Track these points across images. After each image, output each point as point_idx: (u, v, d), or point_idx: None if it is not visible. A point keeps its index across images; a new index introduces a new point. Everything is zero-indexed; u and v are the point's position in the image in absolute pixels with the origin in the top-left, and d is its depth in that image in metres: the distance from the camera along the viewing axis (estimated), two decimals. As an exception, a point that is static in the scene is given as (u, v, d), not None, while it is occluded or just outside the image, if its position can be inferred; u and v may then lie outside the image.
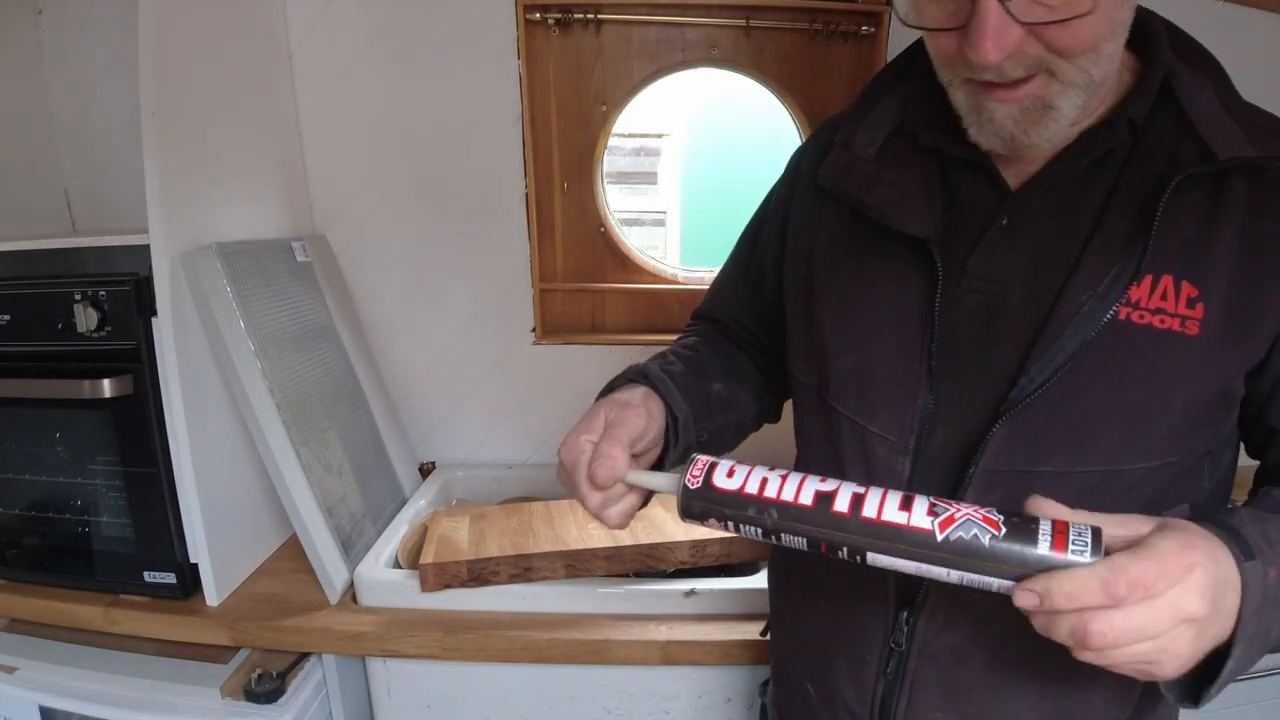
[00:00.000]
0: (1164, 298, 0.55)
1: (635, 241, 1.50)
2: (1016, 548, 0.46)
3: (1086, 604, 0.44)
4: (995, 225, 0.61)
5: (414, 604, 1.07)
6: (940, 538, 0.48)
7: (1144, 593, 0.43)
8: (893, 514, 0.50)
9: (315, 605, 1.09)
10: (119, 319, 1.01)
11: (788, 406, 0.86)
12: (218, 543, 1.08)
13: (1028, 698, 0.62)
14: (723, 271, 0.86)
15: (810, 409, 0.71)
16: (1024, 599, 0.46)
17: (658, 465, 0.69)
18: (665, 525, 1.14)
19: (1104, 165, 0.60)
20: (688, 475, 0.56)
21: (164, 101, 1.00)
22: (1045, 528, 0.47)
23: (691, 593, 1.05)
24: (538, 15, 1.32)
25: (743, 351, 0.83)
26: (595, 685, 1.06)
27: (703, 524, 0.56)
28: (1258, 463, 0.66)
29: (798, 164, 0.77)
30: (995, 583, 0.47)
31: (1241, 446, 0.65)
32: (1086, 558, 0.45)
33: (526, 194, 1.40)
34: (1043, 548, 0.46)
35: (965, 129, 0.59)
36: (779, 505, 0.52)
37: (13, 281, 1.05)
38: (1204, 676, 0.49)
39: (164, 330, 1.01)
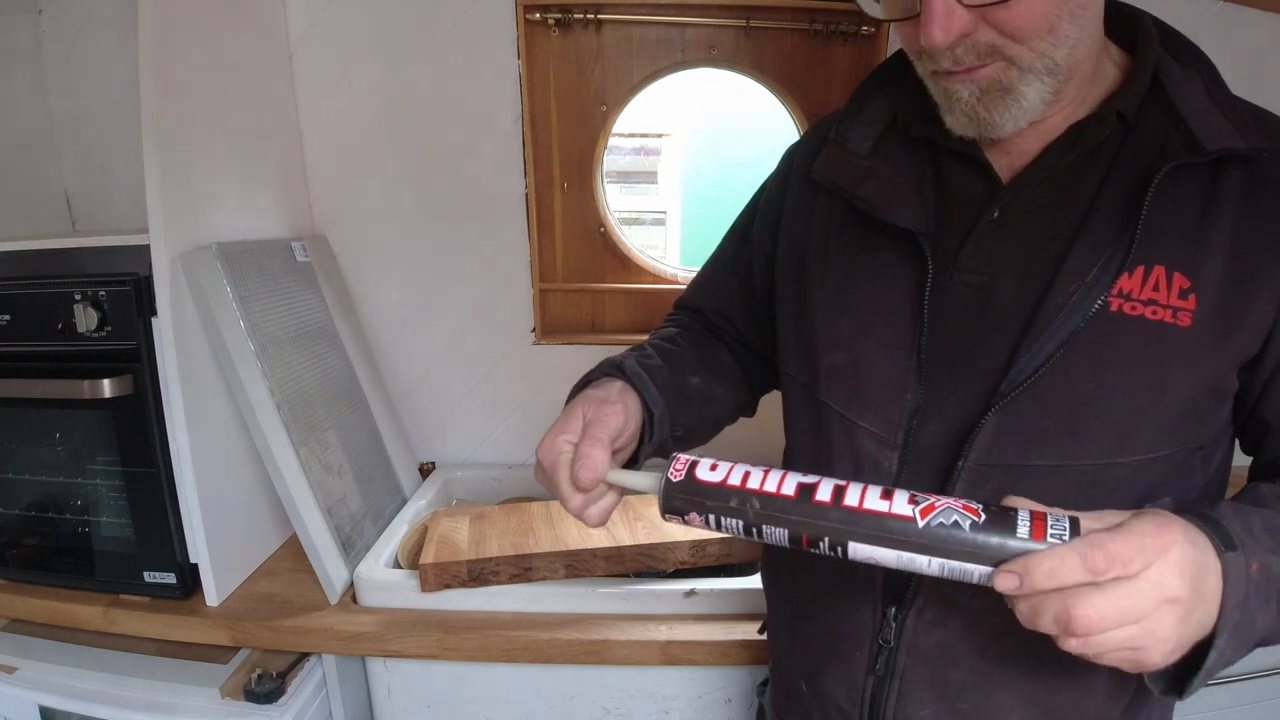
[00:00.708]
0: (1156, 289, 0.56)
1: (635, 241, 1.50)
2: (996, 535, 0.47)
3: (1066, 581, 0.44)
4: (986, 218, 0.62)
5: (414, 604, 1.07)
6: (921, 524, 0.49)
7: (1122, 568, 0.44)
8: (874, 503, 0.50)
9: (315, 605, 1.09)
10: (119, 319, 1.01)
11: (764, 401, 0.87)
12: (218, 543, 1.08)
13: (1017, 695, 0.62)
14: (708, 263, 0.87)
15: (800, 405, 0.71)
16: (1004, 581, 0.46)
17: (632, 460, 0.69)
18: (665, 525, 1.14)
19: (1095, 158, 0.60)
20: (670, 469, 0.56)
21: (164, 101, 1.00)
22: (1024, 516, 0.47)
23: (691, 593, 1.05)
24: (538, 15, 1.32)
25: (722, 344, 0.83)
26: (595, 685, 1.06)
27: (684, 520, 0.57)
28: (1249, 474, 0.66)
29: (790, 161, 0.77)
30: (976, 571, 0.48)
31: (1235, 445, 0.65)
32: (1065, 542, 0.46)
33: (526, 194, 1.40)
34: (1022, 533, 0.47)
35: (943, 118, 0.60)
36: (761, 496, 0.53)
37: (13, 281, 1.05)
38: (1189, 668, 0.50)
39: (164, 330, 1.01)
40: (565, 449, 0.62)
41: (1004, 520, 0.47)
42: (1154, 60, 0.60)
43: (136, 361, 1.02)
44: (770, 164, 0.82)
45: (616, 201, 1.53)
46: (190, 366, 1.03)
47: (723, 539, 1.10)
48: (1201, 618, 0.47)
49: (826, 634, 0.69)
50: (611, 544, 1.08)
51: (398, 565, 1.16)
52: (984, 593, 0.59)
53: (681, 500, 0.55)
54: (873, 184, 0.65)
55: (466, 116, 1.37)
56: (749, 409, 0.86)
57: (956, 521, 0.48)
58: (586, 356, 1.46)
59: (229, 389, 1.08)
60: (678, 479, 0.55)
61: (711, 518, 0.55)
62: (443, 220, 1.42)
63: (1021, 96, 0.56)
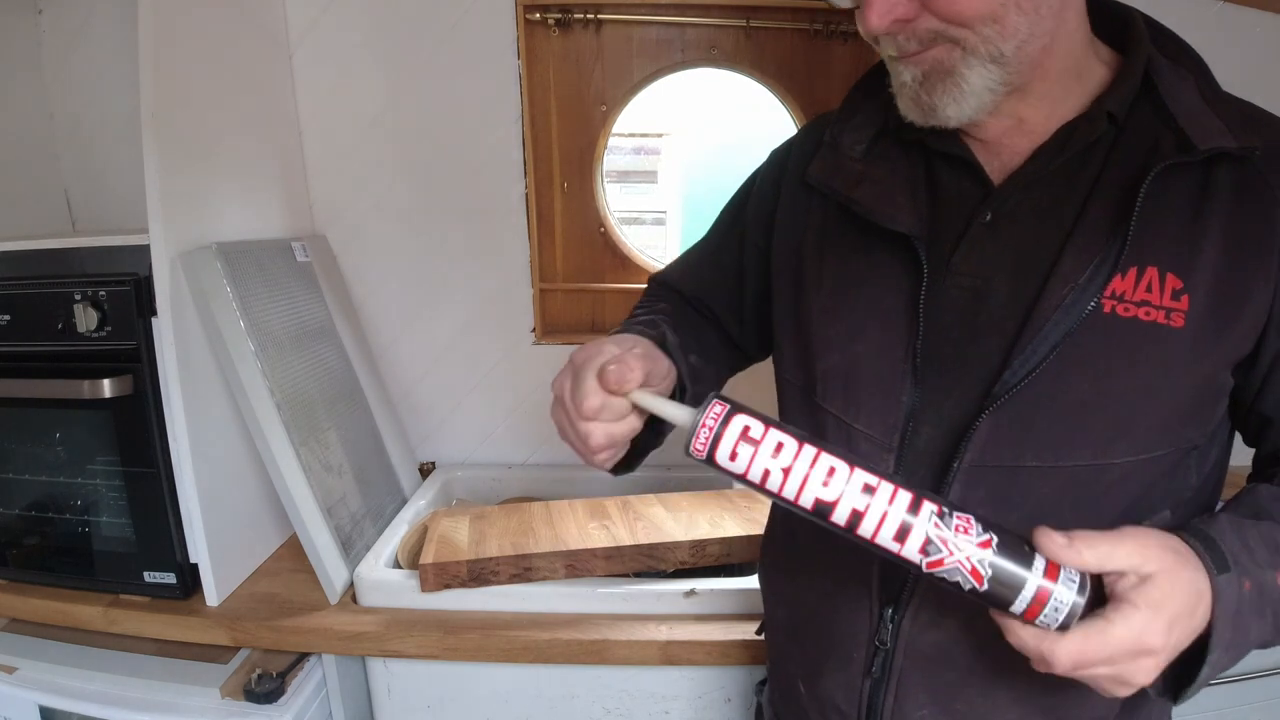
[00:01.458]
0: (1149, 290, 0.56)
1: (635, 241, 1.50)
2: (992, 602, 0.50)
3: (1052, 668, 0.48)
4: (979, 221, 0.62)
5: (414, 604, 1.07)
6: (926, 573, 0.50)
7: (1109, 662, 0.48)
8: (886, 541, 0.51)
9: (315, 605, 1.09)
10: (119, 319, 1.01)
11: (763, 401, 0.86)
12: (218, 543, 1.08)
13: (1014, 695, 0.62)
14: (692, 250, 0.86)
15: (797, 408, 0.71)
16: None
17: (650, 433, 0.67)
18: (665, 525, 1.14)
19: (1087, 159, 0.60)
20: (693, 444, 0.54)
21: (164, 101, 1.00)
22: (1027, 593, 0.48)
23: (691, 593, 1.05)
24: (538, 15, 1.32)
25: (708, 326, 0.84)
26: (595, 685, 1.06)
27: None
28: (1252, 464, 0.67)
29: (783, 162, 0.77)
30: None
31: (1233, 445, 0.65)
32: (1056, 622, 0.48)
33: (526, 194, 1.40)
34: (1017, 609, 0.49)
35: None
36: (779, 499, 0.53)
37: (13, 281, 1.05)
38: (1183, 675, 0.51)
39: (164, 330, 1.01)
40: (607, 352, 0.60)
41: (1002, 596, 0.49)
42: (1145, 59, 0.60)
43: (136, 361, 1.02)
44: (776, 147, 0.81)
45: (616, 201, 1.53)
46: (190, 366, 1.03)
47: (723, 538, 1.10)
48: (1184, 643, 0.49)
49: (823, 636, 0.69)
50: (611, 544, 1.08)
51: (398, 565, 1.16)
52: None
53: (713, 442, 0.54)
54: (867, 188, 0.65)
55: (466, 116, 1.37)
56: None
57: (958, 583, 0.50)
58: (586, 356, 1.48)
59: (229, 389, 1.08)
60: (700, 457, 0.54)
61: (735, 483, 0.55)
62: (443, 220, 1.42)
63: (963, 80, 0.56)
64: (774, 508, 0.83)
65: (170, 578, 1.08)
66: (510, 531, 1.13)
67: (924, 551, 0.50)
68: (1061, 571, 0.48)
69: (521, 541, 1.09)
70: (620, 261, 1.49)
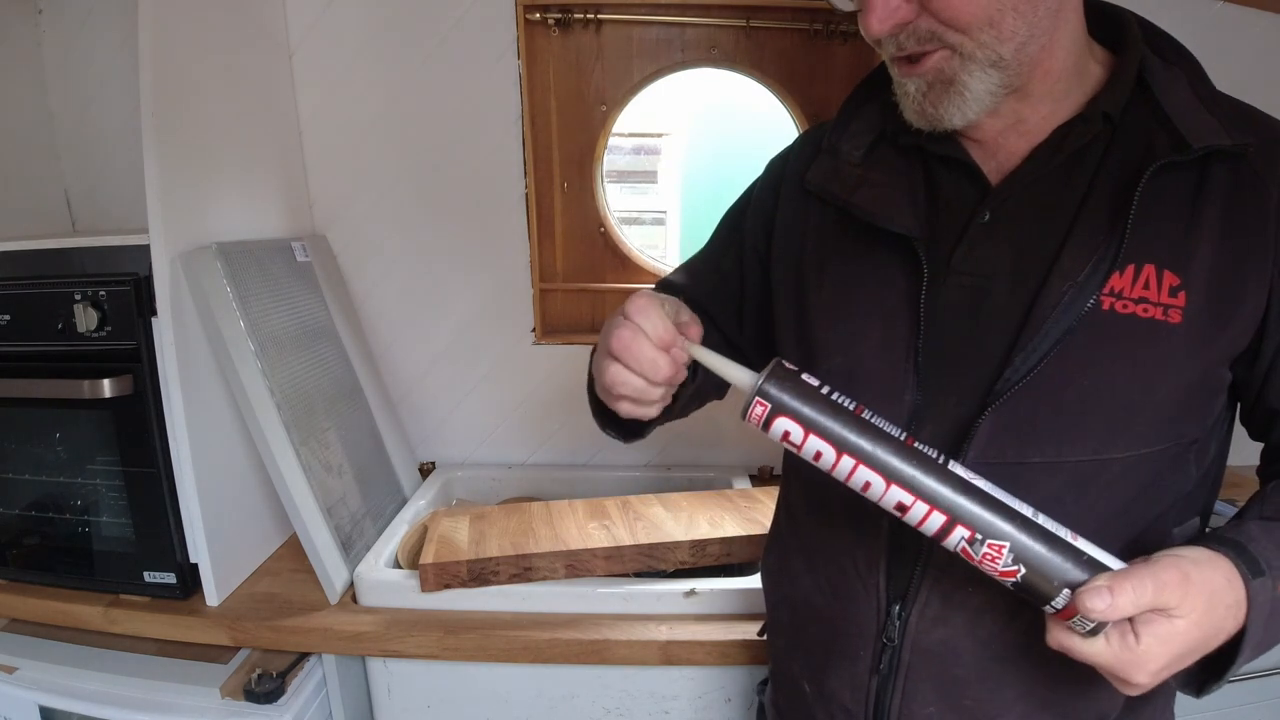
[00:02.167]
0: (1146, 287, 0.57)
1: (635, 241, 1.50)
2: (1025, 596, 0.52)
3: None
4: (978, 221, 0.63)
5: (414, 604, 1.07)
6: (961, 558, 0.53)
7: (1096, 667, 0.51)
8: (927, 535, 0.54)
9: (315, 605, 1.09)
10: (119, 319, 1.01)
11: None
12: (218, 543, 1.08)
13: (1020, 690, 0.63)
14: (695, 257, 0.87)
15: None
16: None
17: (665, 411, 0.68)
18: (665, 525, 1.14)
19: (1083, 158, 0.61)
20: (748, 417, 0.55)
21: (164, 101, 1.00)
22: (1060, 599, 0.50)
23: (691, 593, 1.05)
24: (538, 15, 1.32)
25: (712, 328, 0.83)
26: (595, 685, 1.06)
27: (764, 428, 0.56)
28: (1256, 464, 0.67)
29: (780, 170, 0.78)
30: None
31: (1231, 440, 0.66)
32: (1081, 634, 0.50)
33: (526, 194, 1.40)
34: (1053, 607, 0.51)
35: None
36: (823, 472, 0.55)
37: (13, 281, 1.05)
38: (1208, 669, 0.53)
39: (164, 330, 1.01)
40: (660, 300, 0.61)
41: (1031, 602, 0.52)
42: (1138, 59, 0.61)
43: (136, 361, 1.02)
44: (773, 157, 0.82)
45: (616, 201, 1.53)
46: (190, 366, 1.03)
47: (723, 538, 1.10)
48: (1202, 649, 0.51)
49: (830, 634, 0.69)
50: (611, 544, 1.08)
51: (398, 565, 1.16)
52: (984, 589, 0.60)
53: (777, 390, 0.54)
54: (866, 191, 0.66)
55: (466, 116, 1.37)
56: (723, 391, 0.86)
57: (991, 577, 0.53)
58: (586, 356, 1.47)
59: (229, 389, 1.08)
60: (755, 425, 0.55)
61: (801, 429, 0.54)
62: (443, 220, 1.42)
63: (965, 88, 0.57)
64: (777, 510, 0.83)
65: (170, 578, 1.08)
66: (510, 531, 1.13)
67: (962, 551, 0.53)
68: (1077, 616, 0.50)
69: (521, 541, 1.09)
70: (620, 261, 1.49)
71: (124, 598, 1.10)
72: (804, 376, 0.55)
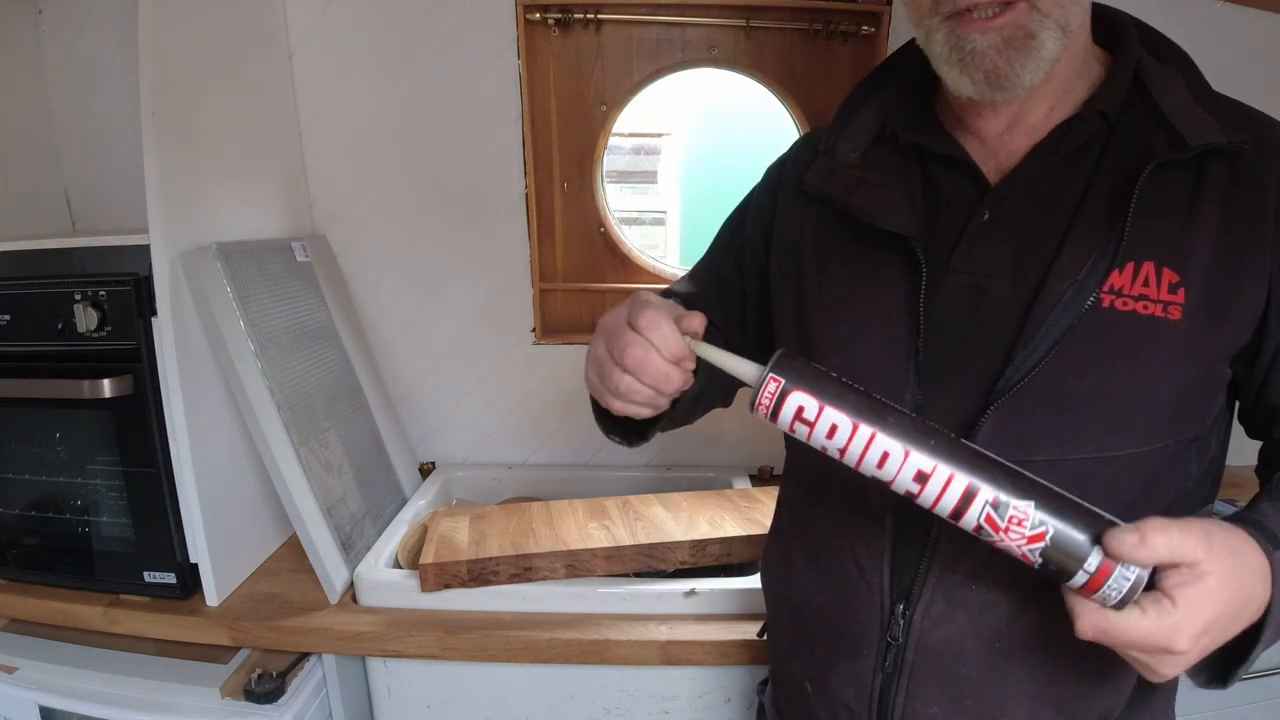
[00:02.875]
0: (1146, 284, 0.57)
1: (635, 241, 1.50)
2: (1046, 574, 0.50)
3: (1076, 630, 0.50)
4: (976, 220, 0.63)
5: (414, 604, 1.07)
6: (997, 570, 0.53)
7: (1133, 649, 0.49)
8: (944, 515, 0.53)
9: (315, 605, 1.09)
10: (119, 319, 1.01)
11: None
12: (218, 543, 1.08)
13: (1023, 688, 0.63)
14: (697, 264, 0.88)
15: None
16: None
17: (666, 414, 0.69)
18: (665, 525, 1.14)
19: (1081, 157, 0.61)
20: (759, 400, 0.55)
21: (164, 101, 1.00)
22: (1078, 581, 0.49)
23: (691, 593, 1.05)
24: (538, 15, 1.32)
25: (716, 334, 0.84)
26: (595, 685, 1.06)
27: (772, 419, 0.56)
28: (1259, 456, 0.67)
29: (778, 174, 0.78)
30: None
31: (1230, 437, 0.66)
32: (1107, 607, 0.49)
33: (526, 194, 1.40)
34: (1074, 585, 0.50)
35: (946, 81, 0.60)
36: (841, 464, 0.55)
37: (13, 281, 1.05)
38: (1231, 656, 0.52)
39: (164, 330, 1.01)
40: (663, 304, 0.61)
41: (1058, 576, 0.50)
42: (1134, 59, 0.61)
43: (136, 361, 1.02)
44: (769, 164, 0.82)
45: (616, 201, 1.53)
46: (190, 366, 1.03)
47: (723, 538, 1.10)
48: (1232, 631, 0.50)
49: (833, 634, 0.69)
50: (611, 544, 1.08)
51: (398, 565, 1.16)
52: (988, 587, 0.60)
53: (791, 375, 0.54)
54: (863, 192, 0.66)
55: (466, 116, 1.37)
56: (728, 398, 0.86)
57: (1022, 557, 0.51)
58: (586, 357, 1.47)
59: (229, 389, 1.08)
60: (764, 415, 0.55)
61: (815, 402, 0.53)
62: (443, 220, 1.42)
63: (1041, 46, 0.56)
64: (777, 510, 0.83)
65: (170, 578, 1.08)
66: (510, 531, 1.13)
67: (977, 532, 0.52)
68: (1105, 583, 0.49)
69: (521, 541, 1.09)
70: (620, 261, 1.49)
71: (124, 598, 1.10)
72: (812, 363, 0.56)
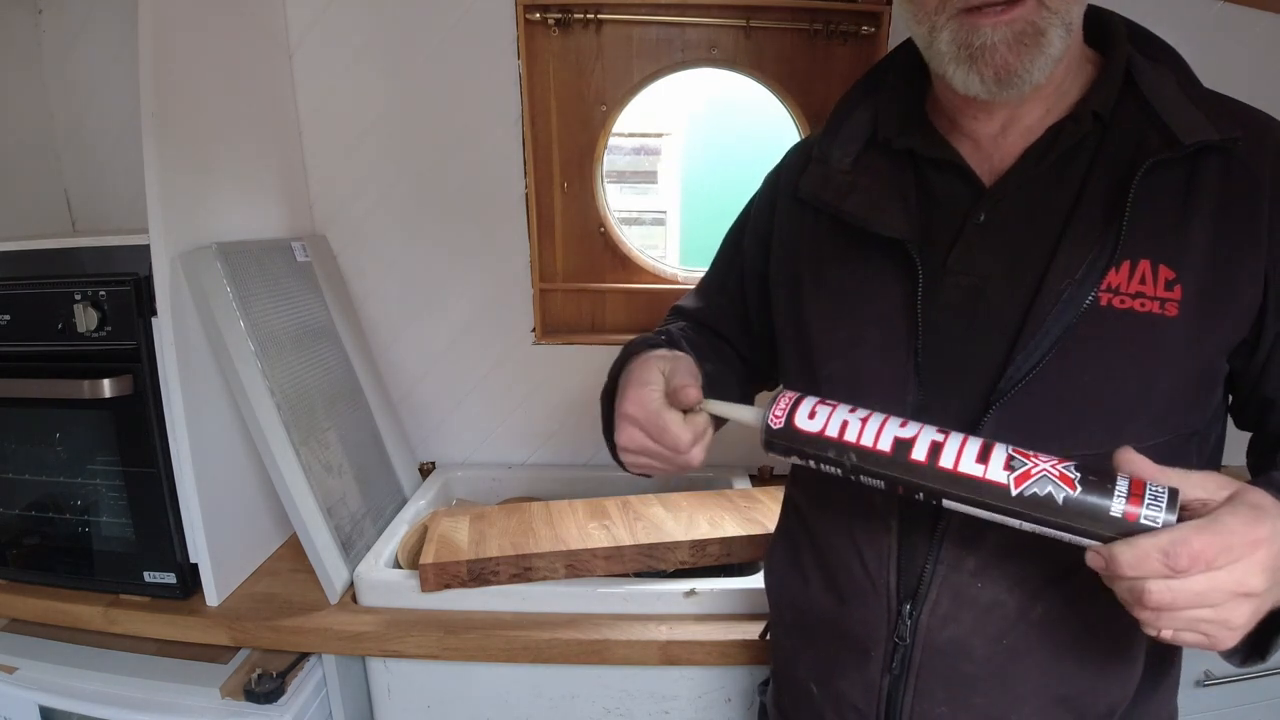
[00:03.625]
0: (1143, 282, 0.57)
1: (635, 241, 1.50)
2: (1089, 508, 0.47)
3: (1148, 573, 0.45)
4: (972, 221, 0.63)
5: (414, 604, 1.07)
6: (1015, 493, 0.49)
7: (1205, 565, 0.44)
8: (969, 466, 0.51)
9: (315, 605, 1.09)
10: (119, 319, 1.01)
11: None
12: (218, 543, 1.08)
13: (1030, 686, 0.63)
14: (704, 276, 0.89)
15: None
16: (1092, 560, 0.48)
17: None
18: (665, 525, 1.14)
19: (1075, 158, 0.62)
20: (771, 412, 0.58)
21: (164, 101, 1.00)
22: (1121, 488, 0.47)
23: (691, 593, 1.05)
24: (538, 15, 1.32)
25: (725, 344, 0.86)
26: (595, 685, 1.06)
27: (785, 458, 0.59)
28: (1249, 448, 0.67)
29: (775, 183, 0.79)
30: (1067, 537, 0.49)
31: (1226, 429, 0.66)
32: (1159, 522, 0.46)
33: (526, 194, 1.40)
34: (1116, 509, 0.47)
35: (950, 82, 0.60)
36: (858, 449, 0.54)
37: (13, 281, 1.05)
38: (1258, 642, 0.51)
39: (164, 330, 1.01)
40: (653, 398, 0.64)
41: (1099, 491, 0.47)
42: (1125, 58, 0.62)
43: (136, 361, 1.02)
44: (769, 164, 0.83)
45: (616, 201, 1.53)
46: (190, 366, 1.03)
47: (723, 538, 1.10)
48: (1277, 596, 0.47)
49: (839, 636, 0.69)
50: (611, 544, 1.08)
51: (398, 565, 1.16)
52: (994, 585, 0.60)
53: (783, 445, 0.57)
54: (857, 197, 0.67)
55: (466, 116, 1.37)
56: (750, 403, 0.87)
57: (1050, 493, 0.48)
58: (586, 356, 1.48)
59: (229, 389, 1.08)
60: (778, 425, 0.57)
61: (811, 463, 0.57)
62: (443, 220, 1.42)
63: (1049, 44, 0.56)
64: (782, 512, 0.83)
65: (170, 578, 1.08)
66: (510, 531, 1.13)
67: (1008, 467, 0.50)
68: (1147, 488, 0.47)
69: (521, 541, 1.09)
70: (620, 261, 1.49)
71: (124, 598, 1.10)
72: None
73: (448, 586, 1.06)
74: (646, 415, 0.63)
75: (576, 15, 1.32)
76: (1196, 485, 0.48)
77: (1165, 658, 0.67)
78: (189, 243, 1.05)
